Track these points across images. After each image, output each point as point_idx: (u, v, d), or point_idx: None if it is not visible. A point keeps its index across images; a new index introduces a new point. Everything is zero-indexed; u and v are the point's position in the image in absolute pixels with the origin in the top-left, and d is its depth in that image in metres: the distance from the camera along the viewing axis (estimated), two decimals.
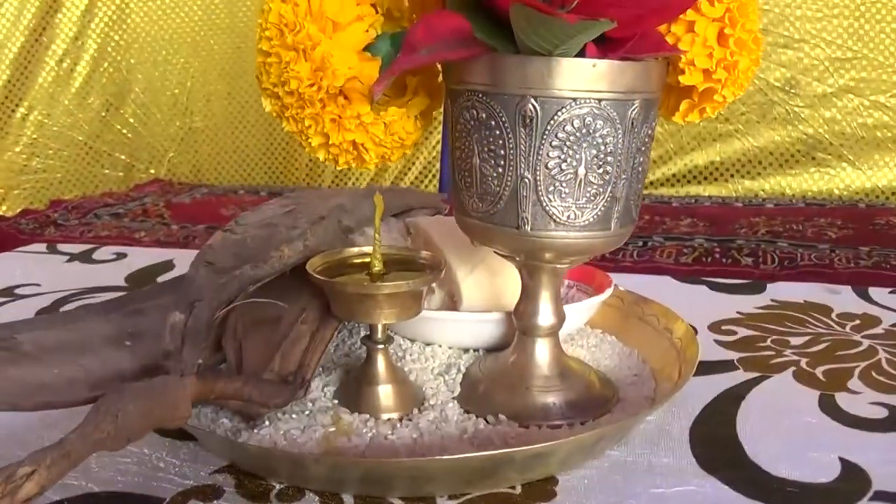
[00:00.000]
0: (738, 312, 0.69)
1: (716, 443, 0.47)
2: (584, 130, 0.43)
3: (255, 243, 0.52)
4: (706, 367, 0.57)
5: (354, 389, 0.49)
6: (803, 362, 0.58)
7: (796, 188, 1.72)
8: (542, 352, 0.51)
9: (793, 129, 1.70)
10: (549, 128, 0.43)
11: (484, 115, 0.45)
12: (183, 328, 0.44)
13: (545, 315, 0.50)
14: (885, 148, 1.65)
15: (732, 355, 0.60)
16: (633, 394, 0.52)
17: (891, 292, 0.73)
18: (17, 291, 0.79)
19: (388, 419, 0.48)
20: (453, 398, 0.51)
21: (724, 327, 0.66)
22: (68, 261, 0.90)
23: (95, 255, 0.91)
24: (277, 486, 0.43)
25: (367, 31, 0.48)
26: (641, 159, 0.46)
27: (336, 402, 0.50)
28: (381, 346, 0.49)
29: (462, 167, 0.47)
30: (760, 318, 0.67)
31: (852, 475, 0.44)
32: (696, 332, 0.57)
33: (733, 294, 0.74)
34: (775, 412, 0.51)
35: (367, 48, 0.47)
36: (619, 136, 0.44)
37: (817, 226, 1.45)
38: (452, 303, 0.59)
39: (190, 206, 1.78)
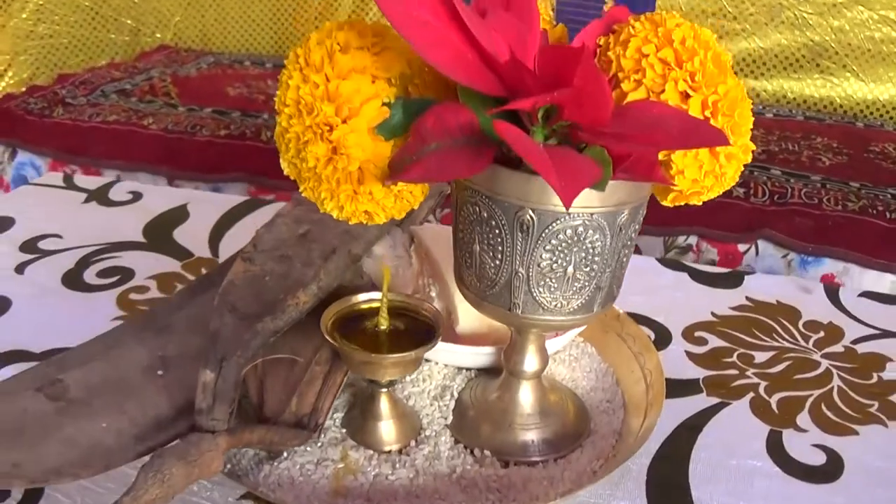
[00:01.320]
0: (712, 314, 0.75)
1: (668, 486, 0.55)
2: (575, 238, 0.48)
3: (273, 282, 0.58)
4: (673, 387, 0.63)
5: (360, 422, 0.57)
6: (762, 387, 0.65)
7: (798, 93, 1.74)
8: (525, 393, 0.58)
9: (800, 35, 1.70)
10: (543, 234, 0.48)
11: (485, 215, 0.49)
12: (213, 387, 0.50)
13: (530, 363, 0.57)
14: (890, 62, 1.65)
15: (699, 373, 0.67)
16: (603, 424, 0.60)
17: (859, 295, 0.78)
18: (41, 245, 0.84)
19: (390, 450, 0.55)
20: (446, 426, 0.58)
21: (696, 333, 0.72)
22: (85, 201, 0.94)
23: (112, 195, 0.96)
24: None
25: (381, 106, 0.51)
26: (626, 252, 0.51)
27: (344, 430, 0.57)
28: (384, 390, 0.56)
29: (464, 248, 0.52)
30: (732, 323, 0.74)
31: None
32: (670, 337, 0.65)
33: (713, 287, 0.80)
34: (726, 450, 0.58)
35: (381, 125, 0.51)
36: (607, 239, 0.49)
37: (813, 147, 1.49)
38: (449, 317, 0.65)
39: (196, 81, 1.80)
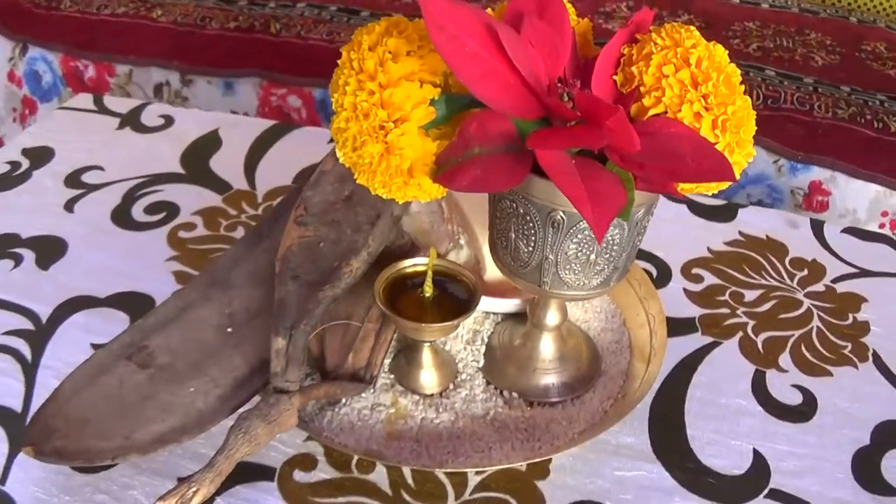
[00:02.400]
0: (708, 249, 0.84)
1: (667, 423, 0.65)
2: None
3: (327, 248, 0.65)
4: (672, 326, 0.72)
5: (406, 370, 0.66)
6: (750, 327, 0.74)
7: None
8: (546, 342, 0.67)
9: None
10: (571, 230, 0.55)
11: (521, 211, 0.56)
12: (286, 353, 0.59)
13: (552, 318, 0.66)
14: None
15: (695, 311, 0.76)
16: (612, 365, 0.69)
17: (842, 231, 0.86)
18: (84, 179, 0.91)
19: (432, 394, 0.65)
20: (478, 369, 0.68)
21: (694, 271, 0.81)
22: (119, 127, 1.00)
23: (144, 120, 1.01)
24: (355, 457, 0.61)
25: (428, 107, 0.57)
26: (640, 238, 0.59)
27: (392, 377, 0.66)
28: (427, 344, 0.65)
29: (500, 233, 0.59)
30: (726, 259, 0.82)
31: (758, 467, 0.62)
32: (670, 274, 0.75)
33: (709, 220, 0.88)
34: (717, 390, 0.68)
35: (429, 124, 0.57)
36: (625, 232, 0.56)
37: (807, 44, 1.53)
38: (477, 265, 0.74)
39: None
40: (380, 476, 0.60)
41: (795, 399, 0.68)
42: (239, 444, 0.55)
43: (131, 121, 1.01)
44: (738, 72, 0.54)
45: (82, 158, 0.94)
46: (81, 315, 0.73)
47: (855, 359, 0.71)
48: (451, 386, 0.66)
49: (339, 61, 0.58)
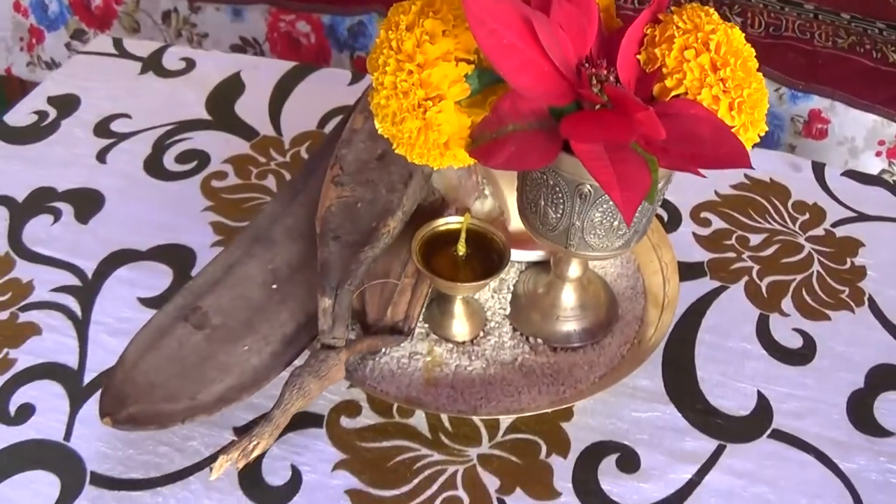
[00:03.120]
0: (716, 192, 0.88)
1: (678, 367, 0.71)
2: None
3: (364, 209, 0.70)
4: (683, 271, 0.78)
5: (439, 320, 0.71)
6: (755, 271, 0.80)
7: None
8: (567, 292, 0.72)
9: None
10: (598, 201, 0.60)
11: (551, 182, 0.61)
12: (332, 312, 0.64)
13: (573, 270, 0.71)
14: None
15: (704, 255, 0.81)
16: (628, 310, 0.75)
17: (842, 174, 0.91)
18: (113, 128, 0.93)
19: (464, 342, 0.71)
20: (505, 316, 0.73)
21: (702, 214, 0.86)
22: (141, 72, 1.02)
23: (165, 63, 1.03)
24: (396, 404, 0.67)
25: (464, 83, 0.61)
26: (659, 203, 0.63)
27: (426, 326, 0.71)
28: (459, 297, 0.70)
29: (530, 199, 0.64)
30: (732, 203, 0.87)
31: (762, 409, 0.68)
32: (680, 218, 0.80)
33: None
34: (724, 334, 0.74)
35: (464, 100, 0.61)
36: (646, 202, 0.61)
37: None
38: (502, 215, 0.78)
39: None
40: (419, 420, 0.66)
41: (796, 343, 0.73)
42: (293, 399, 0.61)
43: (153, 65, 1.03)
44: (754, 53, 0.58)
45: (108, 106, 0.96)
46: (125, 269, 0.78)
47: (852, 303, 0.77)
48: (481, 333, 0.72)
49: (376, 39, 0.61)
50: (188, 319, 0.65)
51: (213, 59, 1.04)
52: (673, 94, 0.57)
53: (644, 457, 0.65)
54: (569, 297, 0.72)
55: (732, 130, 0.56)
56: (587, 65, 0.58)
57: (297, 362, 0.64)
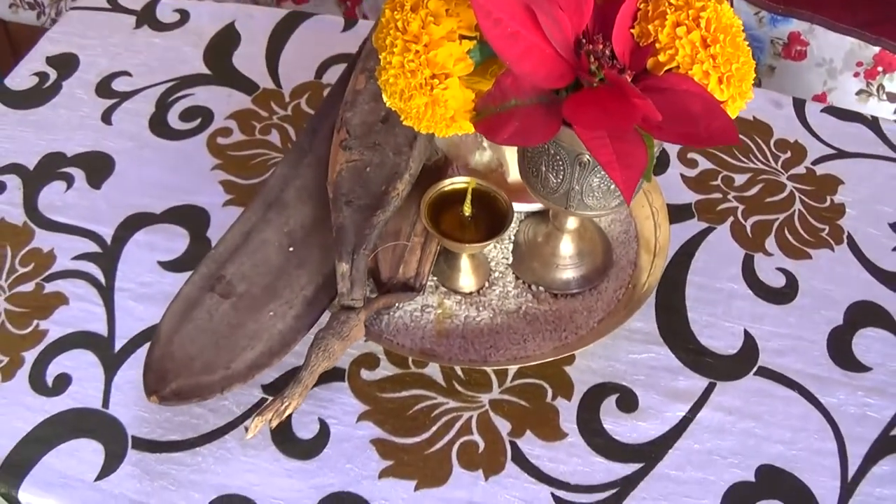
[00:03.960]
0: None
1: (670, 308, 0.76)
2: None
3: (373, 172, 0.73)
4: (672, 213, 0.83)
5: (448, 273, 0.76)
6: (740, 211, 0.85)
7: None
8: (565, 242, 0.77)
9: None
10: (596, 168, 0.64)
11: (552, 151, 0.64)
12: (350, 275, 0.68)
13: (571, 223, 0.75)
14: None
15: (692, 197, 0.86)
16: (622, 255, 0.80)
17: (822, 111, 0.95)
18: (115, 87, 0.95)
19: (471, 292, 0.75)
20: (508, 265, 0.78)
21: (689, 155, 0.90)
22: (136, 26, 1.03)
23: (159, 15, 1.04)
24: (411, 358, 0.72)
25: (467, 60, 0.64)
26: (652, 165, 0.67)
27: (435, 279, 0.76)
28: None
29: (531, 165, 0.67)
30: None
31: (748, 348, 0.74)
32: (668, 159, 0.85)
33: None
34: (712, 274, 0.79)
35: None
36: None
37: None
38: (500, 167, 0.82)
39: None
40: (434, 369, 0.72)
41: (779, 282, 0.79)
42: (319, 361, 0.66)
43: (147, 18, 1.03)
44: (742, 27, 0.61)
45: (107, 64, 0.98)
46: (142, 233, 0.81)
47: (832, 241, 0.82)
48: (487, 284, 0.76)
49: (382, 19, 0.63)
50: (214, 289, 0.69)
51: (206, 9, 1.05)
52: (666, 68, 0.60)
53: (641, 396, 0.70)
54: (567, 246, 0.77)
55: (721, 103, 0.59)
56: (584, 40, 0.60)
57: (320, 322, 0.68)
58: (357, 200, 0.71)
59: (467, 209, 0.71)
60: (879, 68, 1.29)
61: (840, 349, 0.74)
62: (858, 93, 1.32)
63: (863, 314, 0.76)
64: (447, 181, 0.73)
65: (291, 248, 0.74)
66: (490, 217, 0.72)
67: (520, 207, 0.80)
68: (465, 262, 0.75)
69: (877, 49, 1.26)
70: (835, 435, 0.69)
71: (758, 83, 1.34)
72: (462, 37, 0.62)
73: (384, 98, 0.65)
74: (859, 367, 0.73)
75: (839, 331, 0.75)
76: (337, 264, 0.68)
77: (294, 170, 0.79)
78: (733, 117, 0.62)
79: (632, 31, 0.62)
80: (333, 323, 0.67)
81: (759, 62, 1.37)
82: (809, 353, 0.74)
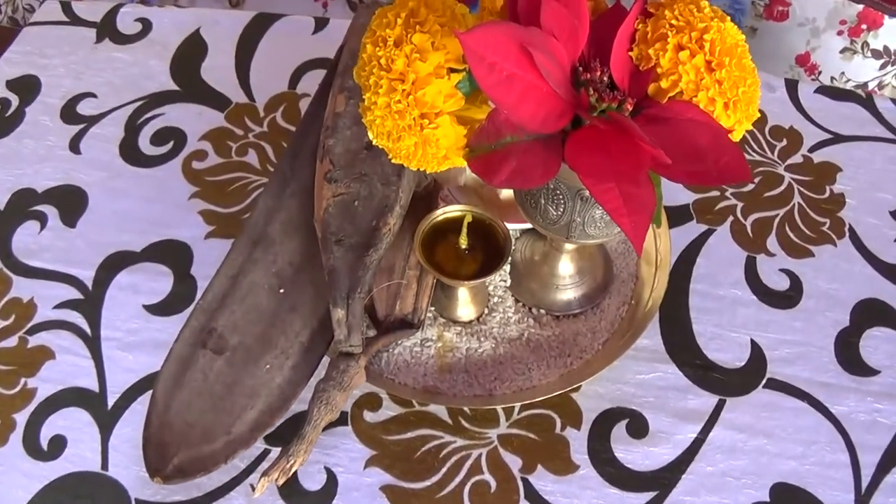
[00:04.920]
0: None
1: (674, 322, 0.75)
2: None
3: (362, 206, 0.70)
4: (670, 215, 0.81)
5: (445, 303, 0.73)
6: (739, 209, 0.82)
7: None
8: (564, 262, 0.75)
9: None
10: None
11: (551, 185, 0.62)
12: (346, 321, 0.66)
13: (569, 244, 0.73)
14: None
15: (689, 197, 0.83)
16: (622, 267, 0.78)
17: (815, 91, 0.92)
18: (80, 111, 0.91)
19: (470, 321, 0.73)
20: (506, 288, 0.76)
21: None
22: (97, 41, 0.97)
23: (120, 27, 0.99)
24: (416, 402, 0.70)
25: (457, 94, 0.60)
26: None
27: (433, 308, 0.74)
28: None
29: (529, 197, 0.65)
30: None
31: (755, 359, 0.72)
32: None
33: None
34: (714, 281, 0.77)
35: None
36: None
37: None
38: None
39: None
40: (439, 406, 0.70)
41: (783, 284, 0.77)
42: (322, 414, 0.64)
43: (108, 30, 0.98)
44: (748, 48, 0.58)
45: (70, 84, 0.93)
46: (124, 274, 0.78)
47: (833, 235, 0.80)
48: (486, 310, 0.74)
49: (363, 54, 0.60)
50: (206, 345, 0.67)
51: (168, 17, 1.00)
52: (669, 95, 0.57)
53: (651, 420, 0.69)
54: (566, 266, 0.75)
55: (728, 130, 0.57)
56: (581, 68, 0.57)
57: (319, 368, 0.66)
58: (347, 239, 0.68)
59: (463, 242, 0.69)
60: (863, 26, 1.26)
61: (848, 353, 0.73)
62: (843, 51, 1.29)
63: (868, 313, 0.75)
64: (440, 211, 0.70)
65: (282, 290, 0.71)
66: (487, 246, 0.70)
67: (514, 226, 0.77)
68: (463, 293, 0.72)
69: (860, 7, 1.23)
70: (846, 445, 0.68)
71: None
72: (450, 70, 0.59)
73: (370, 136, 0.62)
74: (867, 371, 0.72)
75: (846, 333, 0.74)
76: (332, 310, 0.65)
77: (277, 201, 0.76)
78: (738, 139, 0.59)
79: (630, 53, 0.58)
80: (333, 373, 0.65)
81: (740, 24, 1.33)
82: (817, 360, 0.72)
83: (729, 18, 0.58)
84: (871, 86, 1.30)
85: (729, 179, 0.55)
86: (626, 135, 0.53)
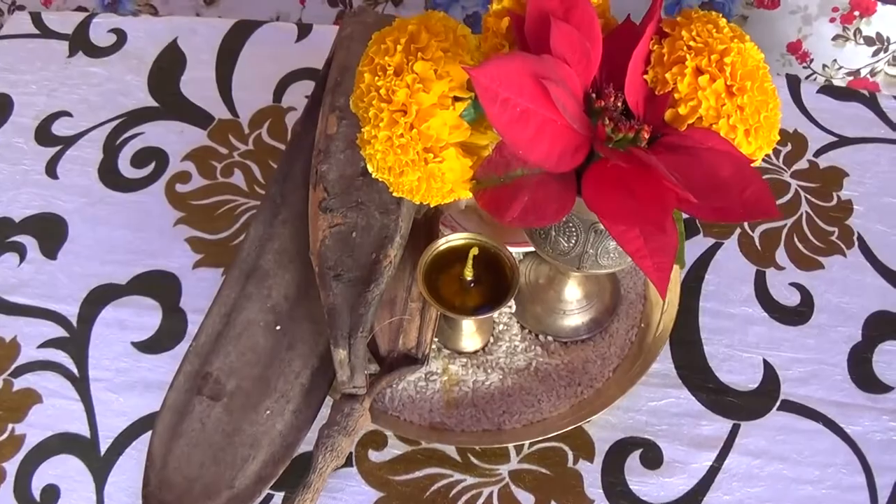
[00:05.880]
0: None
1: (685, 343, 0.72)
2: None
3: (360, 237, 0.67)
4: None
5: (449, 333, 0.71)
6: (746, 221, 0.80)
7: None
8: (571, 287, 0.72)
9: None
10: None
11: (563, 218, 0.59)
12: (349, 362, 0.63)
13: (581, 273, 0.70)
14: None
15: None
16: (630, 287, 0.75)
17: (818, 91, 0.90)
18: (56, 132, 0.86)
19: (476, 351, 0.71)
20: (511, 314, 0.73)
21: None
22: (70, 54, 0.93)
23: (93, 38, 0.94)
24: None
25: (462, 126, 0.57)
26: None
27: (437, 339, 0.71)
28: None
29: (538, 228, 0.62)
30: None
31: (768, 380, 0.70)
32: None
33: None
34: (724, 299, 0.75)
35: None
36: None
37: None
38: None
39: None
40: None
41: (794, 299, 0.75)
42: (328, 462, 0.61)
43: (81, 43, 0.93)
44: (768, 68, 0.55)
45: (44, 103, 0.88)
46: (110, 309, 0.74)
47: (842, 245, 0.78)
48: (492, 339, 0.71)
49: (360, 84, 0.56)
50: (202, 391, 0.63)
51: (143, 27, 0.95)
52: (687, 122, 0.54)
53: (665, 449, 0.67)
54: (573, 291, 0.72)
55: (749, 158, 0.54)
56: (594, 95, 0.54)
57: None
58: (347, 273, 0.65)
59: (469, 273, 0.66)
60: (856, 13, 1.23)
61: (861, 369, 0.71)
62: (835, 38, 1.27)
63: (881, 326, 0.73)
64: (442, 240, 0.67)
65: (279, 327, 0.68)
66: (492, 275, 0.67)
67: (518, 249, 0.74)
68: (468, 324, 0.70)
69: None
70: (862, 467, 0.67)
71: None
72: (455, 98, 0.55)
73: (370, 169, 0.59)
74: (881, 388, 0.70)
75: (859, 348, 0.72)
76: (333, 350, 0.63)
77: (269, 229, 0.72)
78: (757, 163, 0.57)
79: (645, 76, 0.55)
80: (337, 417, 0.62)
81: (730, 13, 1.30)
82: (831, 378, 0.71)
83: (748, 38, 0.55)
84: (863, 73, 1.28)
85: (756, 215, 0.52)
86: (649, 173, 0.50)
